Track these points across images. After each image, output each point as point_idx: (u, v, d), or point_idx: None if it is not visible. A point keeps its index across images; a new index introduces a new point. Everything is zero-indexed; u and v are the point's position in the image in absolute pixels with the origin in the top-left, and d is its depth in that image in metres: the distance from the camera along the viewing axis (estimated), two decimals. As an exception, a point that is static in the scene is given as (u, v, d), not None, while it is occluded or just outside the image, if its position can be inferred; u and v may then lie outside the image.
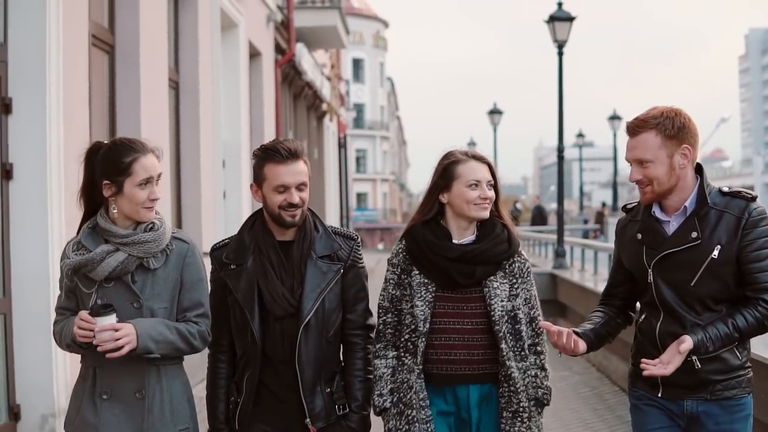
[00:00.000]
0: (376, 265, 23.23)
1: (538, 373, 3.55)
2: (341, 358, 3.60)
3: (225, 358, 3.56)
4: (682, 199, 3.28)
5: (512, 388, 3.47)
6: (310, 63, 17.55)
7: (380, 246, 50.51)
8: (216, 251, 3.56)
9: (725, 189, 3.29)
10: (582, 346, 3.36)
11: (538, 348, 3.57)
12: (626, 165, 3.39)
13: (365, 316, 3.59)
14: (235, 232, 3.60)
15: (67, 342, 3.28)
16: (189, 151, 9.44)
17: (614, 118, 33.74)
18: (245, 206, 11.13)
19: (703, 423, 3.28)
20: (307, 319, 3.42)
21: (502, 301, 3.50)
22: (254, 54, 12.85)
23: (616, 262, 3.54)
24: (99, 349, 3.13)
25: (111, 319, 3.14)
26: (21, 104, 5.73)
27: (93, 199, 3.35)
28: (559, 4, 16.15)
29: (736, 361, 3.27)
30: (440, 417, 3.52)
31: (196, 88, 9.47)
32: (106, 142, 3.37)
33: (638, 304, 3.48)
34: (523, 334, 3.54)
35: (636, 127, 3.27)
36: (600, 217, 31.91)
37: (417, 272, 3.55)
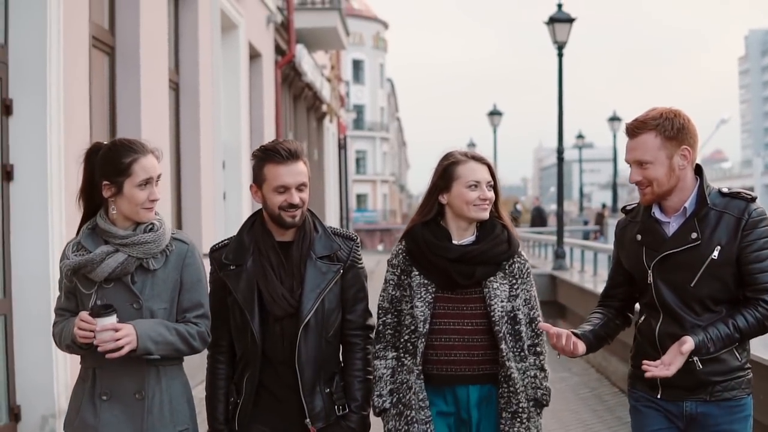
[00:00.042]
0: (376, 266, 23.23)
1: (538, 374, 3.55)
2: (340, 359, 3.60)
3: (224, 359, 3.56)
4: (681, 200, 3.28)
5: (512, 389, 3.48)
6: (310, 64, 17.57)
7: (380, 247, 50.50)
8: (215, 252, 3.56)
9: (725, 190, 3.29)
10: (581, 347, 3.37)
11: (538, 349, 3.57)
12: (626, 166, 3.40)
13: (365, 316, 3.60)
14: (235, 233, 3.60)
15: (67, 343, 3.28)
16: (189, 152, 9.45)
17: (614, 119, 33.74)
18: (245, 207, 11.13)
19: (702, 424, 3.27)
20: (306, 320, 3.42)
21: (502, 301, 3.51)
22: (254, 55, 12.85)
23: (615, 263, 3.54)
24: (99, 349, 3.13)
25: (111, 320, 3.14)
26: (21, 105, 5.74)
27: (92, 200, 3.35)
28: (559, 6, 16.14)
29: (736, 362, 3.27)
30: (440, 417, 3.53)
31: (196, 89, 9.47)
32: (105, 143, 3.37)
33: (637, 306, 3.48)
34: (523, 334, 3.54)
35: (635, 129, 3.27)
36: (600, 219, 31.93)
37: (417, 273, 3.55)
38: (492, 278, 3.52)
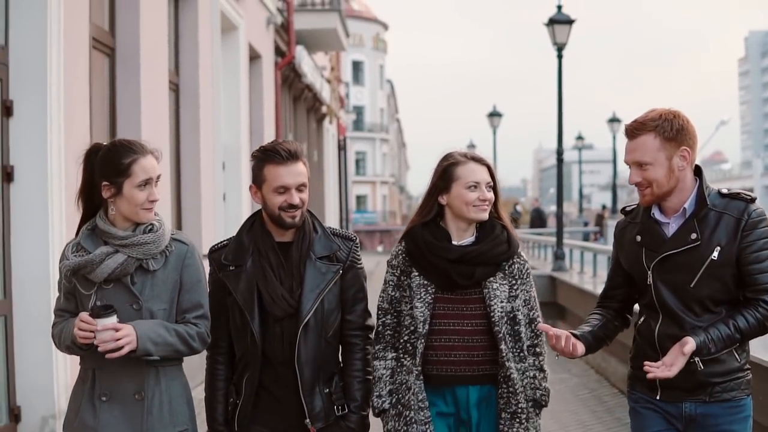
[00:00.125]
0: (376, 267, 23.23)
1: (537, 375, 3.56)
2: (340, 359, 3.61)
3: (223, 359, 3.56)
4: (681, 200, 3.29)
5: (511, 389, 3.48)
6: (310, 65, 17.57)
7: (380, 248, 50.48)
8: (214, 252, 3.56)
9: (724, 191, 3.29)
10: (580, 348, 3.37)
11: (537, 349, 3.58)
12: (626, 167, 3.40)
13: (364, 316, 3.60)
14: (234, 234, 3.61)
15: (67, 344, 3.27)
16: (189, 153, 9.45)
17: (613, 120, 33.72)
18: (245, 208, 11.13)
19: (701, 425, 3.27)
20: (306, 320, 3.42)
21: (501, 302, 3.51)
22: (254, 56, 12.86)
23: (614, 264, 3.54)
24: (99, 349, 3.13)
25: (111, 320, 3.14)
26: (22, 107, 5.74)
27: (92, 201, 3.35)
28: (559, 7, 16.15)
29: (735, 363, 3.27)
30: (440, 418, 3.53)
31: (196, 90, 9.48)
32: (105, 143, 3.38)
33: (637, 307, 3.49)
34: (523, 335, 3.54)
35: (635, 130, 3.27)
36: (600, 220, 31.93)
37: (416, 274, 3.55)
38: (492, 279, 3.53)
